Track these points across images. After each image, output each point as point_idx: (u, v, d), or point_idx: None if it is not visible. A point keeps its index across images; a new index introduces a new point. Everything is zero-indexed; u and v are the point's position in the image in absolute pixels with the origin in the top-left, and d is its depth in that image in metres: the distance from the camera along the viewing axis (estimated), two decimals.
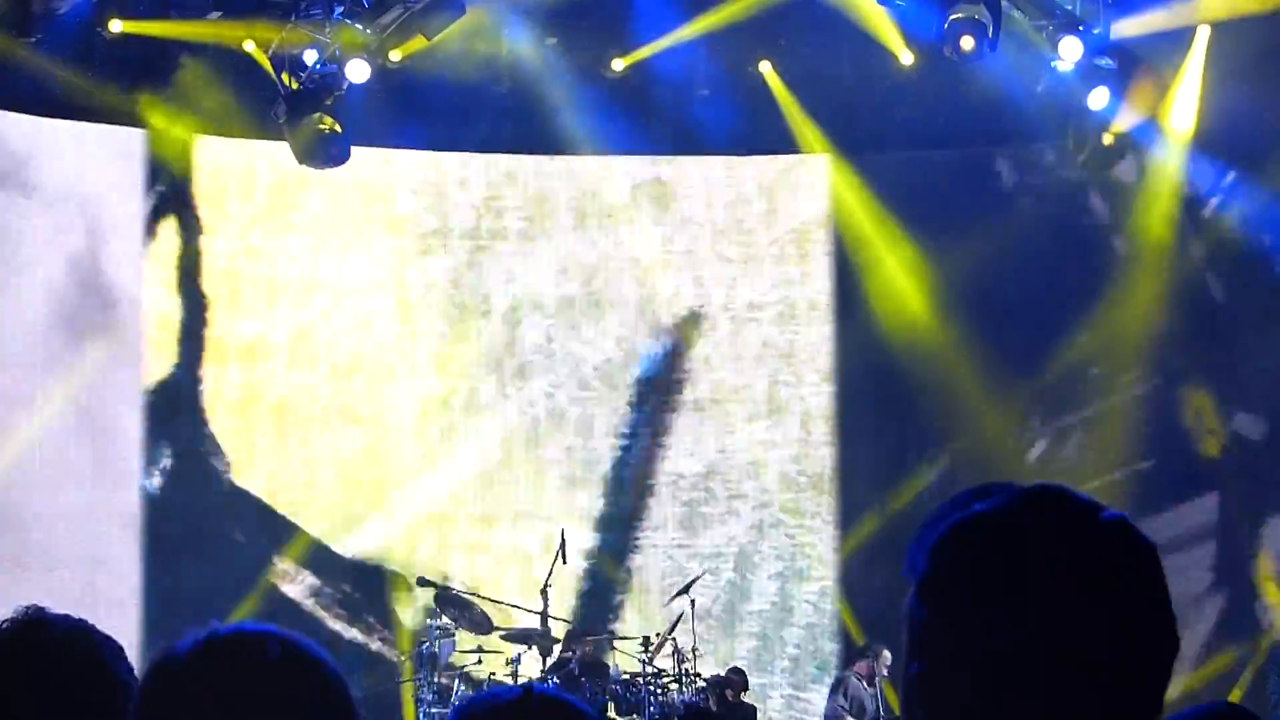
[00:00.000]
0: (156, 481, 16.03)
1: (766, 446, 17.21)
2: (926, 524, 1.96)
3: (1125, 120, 14.16)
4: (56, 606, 3.03)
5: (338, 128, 14.70)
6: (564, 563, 14.50)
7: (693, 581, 15.23)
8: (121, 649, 2.98)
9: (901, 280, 16.94)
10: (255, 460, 16.29)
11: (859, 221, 17.11)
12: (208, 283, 16.27)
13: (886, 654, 14.78)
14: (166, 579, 15.57)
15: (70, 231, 15.68)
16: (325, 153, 14.97)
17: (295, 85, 14.58)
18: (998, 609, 1.77)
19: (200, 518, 15.96)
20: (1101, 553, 1.79)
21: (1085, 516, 1.82)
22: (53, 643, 2.92)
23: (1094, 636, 1.76)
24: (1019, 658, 1.77)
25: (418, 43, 14.34)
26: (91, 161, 15.83)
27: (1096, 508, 1.83)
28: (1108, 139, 14.14)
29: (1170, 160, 15.77)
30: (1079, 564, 1.77)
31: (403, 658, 15.68)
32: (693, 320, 17.27)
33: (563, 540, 14.50)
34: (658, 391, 17.21)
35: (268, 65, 14.77)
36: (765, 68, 16.58)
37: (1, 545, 15.00)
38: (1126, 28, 14.19)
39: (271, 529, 16.21)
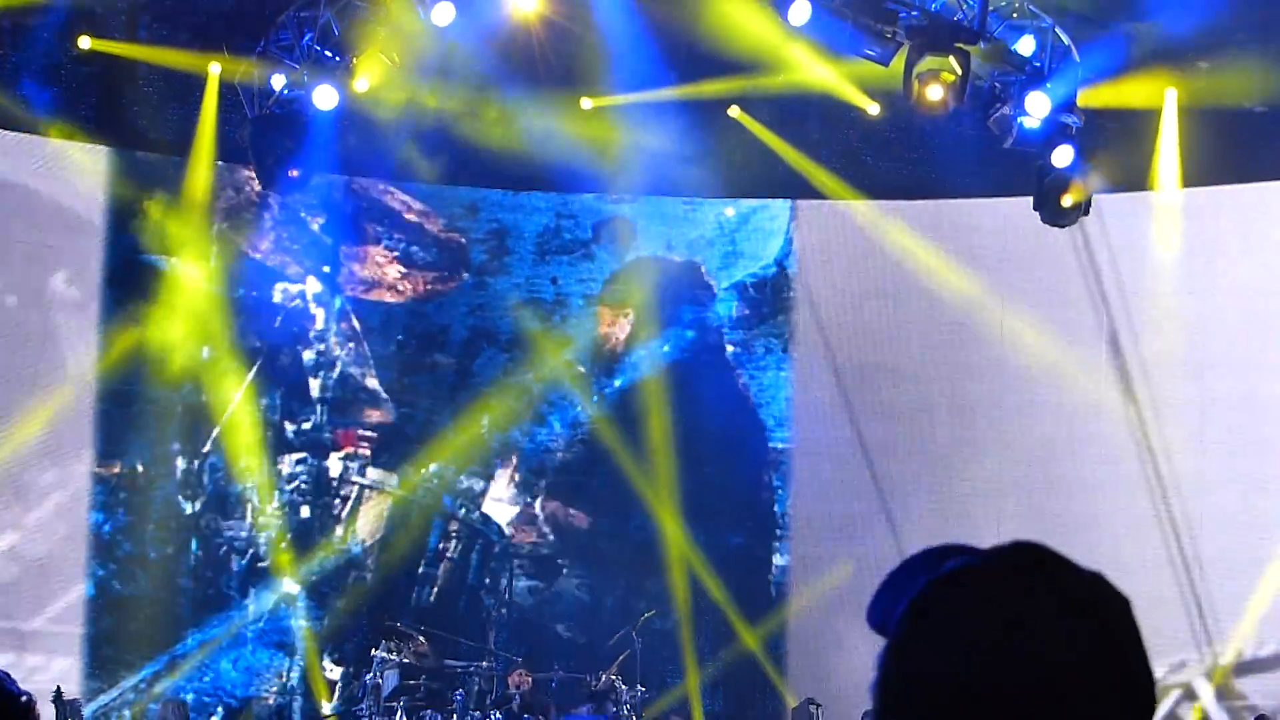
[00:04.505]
0: None
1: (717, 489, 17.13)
2: (890, 582, 1.93)
3: (1090, 182, 14.12)
4: None
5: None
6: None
7: (640, 621, 15.22)
8: None
9: None
10: None
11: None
12: None
13: None
14: None
15: None
16: (288, 178, 14.91)
17: (262, 110, 14.54)
18: (984, 664, 1.74)
19: None
20: (1090, 606, 1.77)
21: (1068, 569, 1.80)
22: None
23: (1084, 689, 1.74)
24: (1003, 712, 1.74)
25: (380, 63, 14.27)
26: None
27: (1072, 563, 1.81)
28: (1069, 198, 14.07)
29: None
30: (1069, 617, 1.76)
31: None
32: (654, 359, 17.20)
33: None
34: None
35: (213, 92, 14.85)
36: (735, 111, 16.58)
37: None
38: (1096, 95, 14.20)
39: None
